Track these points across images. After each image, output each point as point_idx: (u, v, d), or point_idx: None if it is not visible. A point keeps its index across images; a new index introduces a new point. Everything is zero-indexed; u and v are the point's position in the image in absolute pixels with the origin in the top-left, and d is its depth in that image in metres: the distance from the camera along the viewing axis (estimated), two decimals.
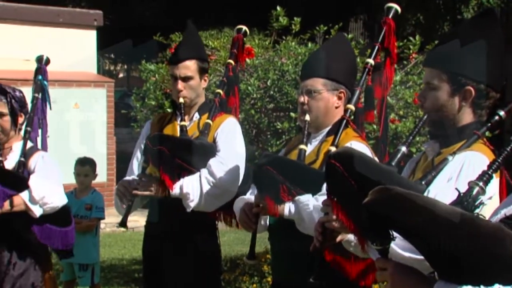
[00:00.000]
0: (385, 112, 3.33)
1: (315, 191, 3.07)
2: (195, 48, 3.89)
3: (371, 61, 3.26)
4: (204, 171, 3.68)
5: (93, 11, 11.56)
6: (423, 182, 2.28)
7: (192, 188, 3.65)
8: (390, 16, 3.27)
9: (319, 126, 3.31)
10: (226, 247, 8.59)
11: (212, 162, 3.69)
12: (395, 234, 1.90)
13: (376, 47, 3.26)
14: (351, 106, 3.23)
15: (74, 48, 10.85)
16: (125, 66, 29.76)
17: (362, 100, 3.48)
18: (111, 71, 29.85)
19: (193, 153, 3.68)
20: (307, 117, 3.27)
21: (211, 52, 7.13)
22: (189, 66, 3.83)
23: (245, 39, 4.26)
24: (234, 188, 3.70)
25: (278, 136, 6.06)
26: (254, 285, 6.35)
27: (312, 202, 3.04)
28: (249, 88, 5.98)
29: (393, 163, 2.40)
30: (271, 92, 6.12)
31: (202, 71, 3.88)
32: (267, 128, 6.16)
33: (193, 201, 3.66)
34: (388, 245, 1.94)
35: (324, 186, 3.01)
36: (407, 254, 2.15)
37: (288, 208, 3.10)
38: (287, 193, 3.05)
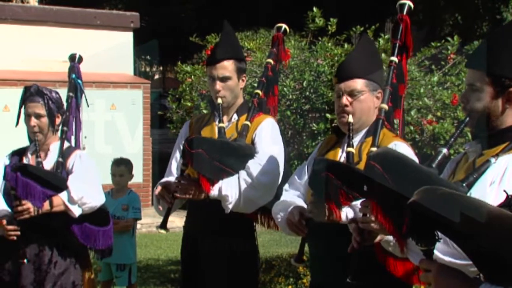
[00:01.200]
0: (403, 109, 3.31)
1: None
2: (232, 48, 3.89)
3: (395, 59, 3.24)
4: (242, 173, 3.68)
5: (130, 13, 11.66)
6: (464, 184, 2.25)
7: (231, 190, 3.65)
8: (405, 13, 3.27)
9: (359, 127, 3.29)
10: (261, 248, 8.44)
11: (250, 163, 3.68)
12: (440, 235, 1.88)
13: (397, 44, 3.25)
14: (385, 106, 3.20)
15: (111, 49, 10.96)
16: (161, 68, 29.95)
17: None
18: (147, 73, 30.07)
19: (231, 155, 3.69)
20: (350, 119, 3.24)
21: (246, 53, 7.13)
22: (227, 67, 3.83)
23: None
24: (273, 190, 3.69)
25: (313, 137, 6.04)
26: (290, 287, 6.34)
27: None
28: (285, 89, 5.97)
29: (434, 165, 2.38)
30: (307, 93, 6.10)
31: (240, 71, 3.88)
32: (303, 129, 6.15)
33: (232, 203, 3.66)
34: (433, 246, 1.92)
35: None
36: (447, 259, 2.12)
37: (345, 213, 3.08)
38: (344, 198, 3.03)
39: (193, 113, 6.78)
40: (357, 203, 3.02)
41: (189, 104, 6.91)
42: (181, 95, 7.07)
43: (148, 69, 30.52)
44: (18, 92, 10.56)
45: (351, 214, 3.06)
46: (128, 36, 11.41)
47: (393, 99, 3.35)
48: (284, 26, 4.18)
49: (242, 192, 3.65)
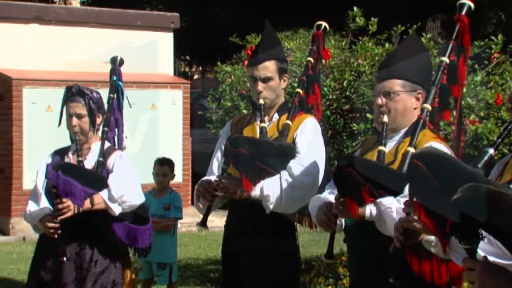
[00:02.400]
0: (459, 111, 3.25)
1: (397, 192, 3.03)
2: (273, 49, 3.87)
3: (445, 59, 3.19)
4: (284, 173, 3.66)
5: (170, 14, 11.73)
6: (511, 186, 2.21)
7: (272, 190, 3.64)
8: (464, 13, 3.20)
9: (396, 127, 3.26)
10: (300, 249, 8.46)
11: (292, 163, 3.67)
12: (484, 233, 1.85)
13: (451, 45, 3.19)
14: (428, 106, 3.17)
15: (151, 50, 11.04)
16: (200, 68, 30.07)
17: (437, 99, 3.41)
18: (186, 73, 30.22)
19: (272, 155, 3.68)
20: (385, 119, 3.22)
21: (286, 53, 7.11)
22: (269, 67, 3.82)
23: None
24: (314, 190, 3.67)
25: (354, 137, 6.01)
26: (329, 287, 6.31)
27: (395, 205, 3.00)
28: (325, 89, 5.95)
29: (480, 165, 2.34)
30: (347, 93, 6.08)
31: (281, 71, 3.86)
32: (343, 129, 6.13)
33: (273, 203, 3.65)
34: (476, 245, 1.89)
35: (407, 188, 2.98)
36: (491, 259, 2.09)
37: (369, 210, 3.07)
38: (368, 195, 3.02)
39: (233, 113, 6.79)
40: (382, 200, 3.02)
41: (229, 104, 6.93)
42: (221, 95, 7.10)
43: (187, 70, 30.67)
44: (60, 92, 10.69)
45: (375, 212, 3.05)
46: (169, 37, 11.48)
47: (442, 100, 3.30)
48: (324, 24, 4.16)
49: (284, 192, 3.63)
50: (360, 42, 6.38)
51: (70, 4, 12.97)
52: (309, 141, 3.74)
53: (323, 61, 4.27)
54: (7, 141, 9.92)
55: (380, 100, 3.23)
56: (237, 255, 3.83)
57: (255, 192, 3.64)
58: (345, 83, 6.04)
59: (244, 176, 3.64)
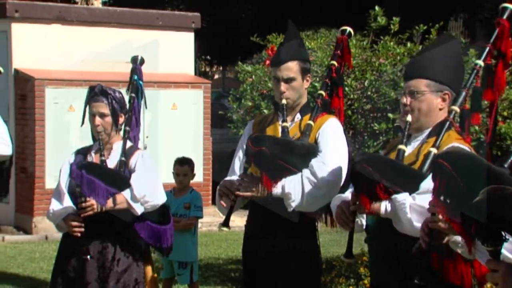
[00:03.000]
0: (495, 115, 3.22)
1: (412, 190, 3.02)
2: (296, 49, 3.87)
3: (480, 62, 3.16)
4: (306, 172, 3.66)
5: (191, 14, 11.75)
6: None
7: (294, 188, 3.64)
8: (505, 17, 3.16)
9: (420, 127, 3.25)
10: (321, 249, 8.44)
11: (314, 162, 3.67)
12: (507, 235, 1.83)
13: (488, 49, 3.16)
14: (456, 108, 3.15)
15: (172, 50, 11.06)
16: (221, 68, 30.12)
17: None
18: (207, 73, 30.29)
19: (294, 154, 3.68)
20: (409, 118, 3.22)
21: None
22: (291, 68, 3.81)
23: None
24: (336, 189, 3.66)
25: (375, 137, 5.99)
26: (350, 287, 6.29)
27: (409, 200, 2.99)
28: (346, 88, 5.94)
29: (506, 165, 2.33)
30: (368, 93, 6.06)
31: (304, 72, 3.86)
32: (364, 129, 6.11)
33: (294, 201, 3.65)
34: (500, 246, 1.88)
35: (421, 185, 2.97)
36: None
37: (384, 206, 3.07)
38: (383, 191, 3.01)
39: (254, 112, 6.80)
40: (397, 196, 3.01)
41: (249, 103, 6.94)
42: (242, 94, 7.11)
43: (208, 69, 30.73)
44: (83, 92, 10.73)
45: (389, 208, 3.04)
46: (190, 37, 11.50)
47: (473, 103, 3.28)
48: (348, 29, 4.15)
49: (305, 190, 3.63)
50: (382, 42, 6.36)
51: (92, 4, 13.04)
52: (332, 141, 3.73)
53: (348, 64, 4.25)
54: (30, 141, 9.99)
55: (405, 99, 3.23)
56: (257, 255, 3.83)
57: (277, 190, 3.65)
58: (366, 83, 6.03)
59: (265, 174, 3.65)
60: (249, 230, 3.96)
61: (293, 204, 3.66)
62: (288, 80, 3.81)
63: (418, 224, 2.88)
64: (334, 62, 4.09)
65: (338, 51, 4.12)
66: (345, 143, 3.80)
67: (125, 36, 10.81)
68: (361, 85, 6.10)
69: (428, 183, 2.83)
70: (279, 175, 3.65)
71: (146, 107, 4.41)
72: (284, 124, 3.80)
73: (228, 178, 3.91)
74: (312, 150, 3.71)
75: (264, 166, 3.65)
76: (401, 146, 3.19)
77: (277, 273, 3.77)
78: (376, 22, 6.37)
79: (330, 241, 8.70)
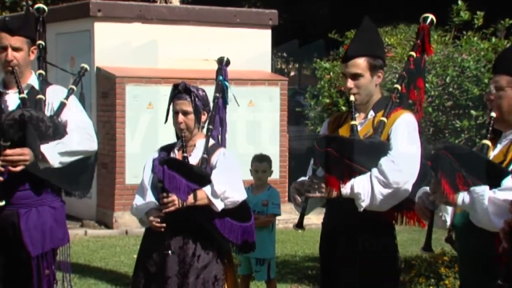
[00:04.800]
0: None
1: (493, 185, 2.94)
2: (366, 45, 3.79)
3: None
4: (374, 171, 3.62)
5: (269, 11, 11.77)
6: None
7: (363, 188, 3.61)
8: None
9: (506, 124, 3.16)
10: (400, 248, 8.28)
11: (383, 161, 3.62)
12: None
13: None
14: None
15: (249, 47, 11.11)
16: (297, 65, 30.10)
17: None
18: (283, 70, 30.34)
19: (363, 153, 3.64)
20: (492, 114, 3.14)
21: (386, 49, 7.02)
22: (359, 64, 3.76)
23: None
24: (407, 187, 3.61)
25: (457, 134, 5.89)
26: (431, 287, 6.19)
27: (488, 194, 2.92)
28: (427, 85, 5.85)
29: None
30: (450, 89, 5.96)
31: (374, 68, 3.79)
32: (445, 126, 6.01)
33: (364, 201, 3.62)
34: None
35: (504, 182, 2.89)
36: None
37: (462, 197, 3.01)
38: (462, 182, 2.95)
39: (331, 110, 6.76)
40: (475, 188, 2.94)
41: (327, 100, 6.91)
42: (319, 92, 7.08)
43: (284, 66, 30.78)
44: (161, 90, 11.00)
45: (467, 200, 2.97)
46: (267, 34, 11.53)
47: None
48: (430, 16, 4.05)
49: (375, 190, 3.59)
50: (465, 37, 6.22)
51: (171, 2, 13.23)
52: (403, 138, 3.67)
53: (428, 54, 4.15)
54: (111, 137, 10.23)
55: (491, 94, 3.16)
56: (334, 255, 3.81)
57: (346, 190, 3.63)
58: (448, 79, 5.91)
59: (331, 175, 3.63)
60: (325, 229, 3.94)
61: (364, 204, 3.62)
62: (355, 77, 3.76)
63: (495, 218, 2.81)
64: (413, 53, 4.00)
65: (419, 41, 4.02)
66: (418, 140, 3.73)
67: (203, 33, 10.92)
68: (442, 82, 5.99)
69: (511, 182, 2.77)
70: (348, 175, 3.63)
71: (238, 105, 4.44)
72: (353, 122, 3.75)
73: (301, 178, 3.89)
74: (382, 148, 3.66)
75: (331, 167, 3.63)
76: (485, 141, 3.12)
77: (355, 273, 3.73)
78: (459, 17, 6.24)
79: (409, 240, 8.57)
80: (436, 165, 3.09)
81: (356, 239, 3.72)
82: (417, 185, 3.60)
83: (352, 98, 3.77)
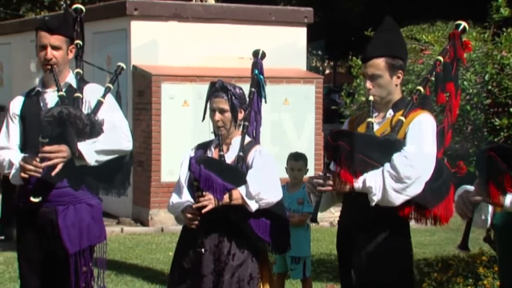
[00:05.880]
0: None
1: None
2: (385, 45, 3.78)
3: None
4: (387, 165, 3.62)
5: (304, 9, 11.75)
6: None
7: (375, 182, 3.61)
8: None
9: None
10: (436, 247, 8.35)
11: (395, 156, 3.62)
12: None
13: None
14: None
15: (284, 45, 11.09)
16: (331, 63, 30.00)
17: None
18: (317, 68, 30.27)
19: (376, 149, 3.65)
20: None
21: (424, 46, 6.96)
22: (377, 65, 3.75)
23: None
24: (418, 183, 3.60)
25: (495, 133, 5.81)
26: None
27: None
28: (465, 83, 5.79)
29: None
30: (489, 87, 5.88)
31: (393, 68, 3.77)
32: (484, 124, 5.92)
33: (376, 195, 3.62)
34: None
35: None
36: None
37: (509, 199, 2.98)
38: (510, 184, 2.91)
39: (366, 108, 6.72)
40: None
41: (363, 98, 6.87)
42: (355, 89, 7.04)
43: (318, 64, 30.71)
44: (196, 88, 11.05)
45: None
46: (302, 32, 11.51)
47: None
48: (463, 24, 4.03)
49: (386, 185, 3.59)
50: (505, 34, 6.13)
51: (206, 1, 13.28)
52: (418, 136, 3.67)
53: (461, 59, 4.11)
54: (147, 135, 10.30)
55: None
56: (350, 250, 3.80)
57: (358, 184, 3.63)
58: (486, 77, 5.83)
59: (344, 168, 3.63)
60: (341, 225, 3.95)
61: (375, 198, 3.62)
62: (374, 77, 3.76)
63: None
64: (440, 58, 3.99)
65: (448, 47, 4.01)
66: (433, 139, 3.72)
67: (238, 32, 10.94)
68: (480, 79, 5.91)
69: None
70: (360, 170, 3.63)
71: (265, 102, 4.43)
72: (369, 119, 3.76)
73: (315, 174, 3.89)
74: (396, 145, 3.66)
75: (343, 161, 3.63)
76: None
77: (367, 268, 3.72)
78: (499, 14, 6.16)
79: (445, 239, 8.49)
80: (482, 166, 3.07)
81: (369, 235, 3.73)
82: (431, 182, 3.62)
83: (371, 97, 3.78)
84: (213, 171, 4.01)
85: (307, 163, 6.14)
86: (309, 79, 11.31)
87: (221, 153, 4.11)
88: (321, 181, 3.71)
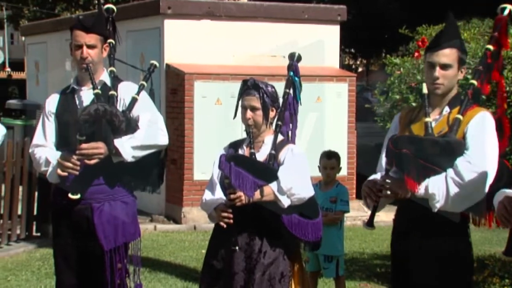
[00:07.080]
0: None
1: None
2: (456, 39, 3.73)
3: None
4: (450, 171, 3.54)
5: (337, 7, 11.68)
6: None
7: (438, 188, 3.53)
8: None
9: None
10: (472, 247, 8.16)
11: (459, 161, 3.54)
12: None
13: None
14: None
15: (317, 43, 11.05)
16: (364, 61, 29.81)
17: None
18: (350, 66, 30.10)
19: (438, 153, 3.56)
20: None
21: None
22: (450, 54, 3.66)
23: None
24: (482, 189, 3.50)
25: None
26: None
27: None
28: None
29: None
30: None
31: (461, 62, 3.71)
32: None
33: (439, 202, 3.54)
34: None
35: None
36: None
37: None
38: None
39: (401, 106, 6.66)
40: None
41: (397, 97, 6.82)
42: (389, 88, 6.99)
43: (351, 62, 30.54)
44: (229, 86, 11.07)
45: None
46: (335, 30, 11.45)
47: None
48: (508, 7, 3.91)
49: (450, 191, 3.51)
50: None
51: None
52: (480, 137, 3.58)
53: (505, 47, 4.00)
54: (180, 133, 10.34)
55: None
56: (407, 254, 3.74)
57: (420, 191, 3.56)
58: None
59: (408, 176, 3.56)
60: (397, 228, 3.87)
61: (438, 205, 3.55)
62: (445, 67, 3.66)
63: None
64: (490, 47, 3.87)
65: (496, 33, 3.88)
66: (494, 138, 3.62)
67: (271, 30, 10.93)
68: None
69: None
70: (423, 176, 3.55)
71: (300, 104, 4.41)
72: (427, 119, 3.66)
73: (372, 177, 3.84)
74: (458, 148, 3.57)
75: (406, 168, 3.56)
76: None
77: (425, 272, 3.66)
78: None
79: (481, 239, 8.40)
80: None
81: (428, 238, 3.66)
82: (494, 185, 3.48)
83: (425, 90, 3.69)
84: (243, 168, 4.00)
85: (340, 162, 6.11)
86: (342, 77, 11.25)
87: (252, 151, 4.10)
88: (381, 187, 3.65)
